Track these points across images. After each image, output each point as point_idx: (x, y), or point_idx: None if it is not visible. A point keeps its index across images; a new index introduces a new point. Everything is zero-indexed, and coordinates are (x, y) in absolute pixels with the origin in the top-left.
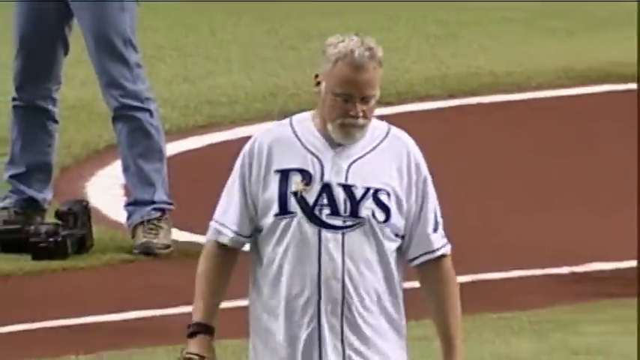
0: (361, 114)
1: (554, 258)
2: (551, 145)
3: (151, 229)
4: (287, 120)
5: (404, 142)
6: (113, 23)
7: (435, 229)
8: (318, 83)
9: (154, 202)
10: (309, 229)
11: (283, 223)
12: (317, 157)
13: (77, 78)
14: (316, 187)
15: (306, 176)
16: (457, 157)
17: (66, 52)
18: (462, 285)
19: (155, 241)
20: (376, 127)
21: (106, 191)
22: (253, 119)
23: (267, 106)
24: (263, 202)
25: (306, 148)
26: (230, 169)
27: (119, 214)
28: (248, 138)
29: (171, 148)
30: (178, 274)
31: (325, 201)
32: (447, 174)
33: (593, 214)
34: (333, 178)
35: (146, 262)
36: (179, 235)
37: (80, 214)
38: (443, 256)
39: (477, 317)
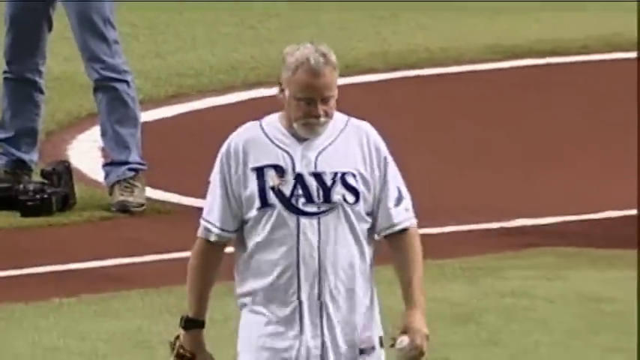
0: (322, 113)
1: (485, 214)
2: (481, 113)
3: (127, 187)
4: (256, 122)
5: (363, 129)
6: (95, 5)
7: (397, 204)
8: (282, 90)
9: (128, 163)
10: (289, 218)
11: (265, 214)
12: (287, 152)
13: (61, 53)
14: (290, 179)
15: (279, 170)
16: (397, 123)
17: (50, 30)
18: None
19: (130, 199)
20: (337, 119)
21: (86, 154)
22: (217, 90)
23: (229, 78)
24: (245, 198)
25: (276, 145)
26: (196, 135)
27: (98, 174)
28: (213, 107)
29: (145, 116)
30: (150, 229)
31: (300, 191)
32: (388, 139)
33: (519, 175)
34: (304, 168)
35: (122, 218)
36: (152, 194)
37: (63, 173)
38: (405, 229)
39: None
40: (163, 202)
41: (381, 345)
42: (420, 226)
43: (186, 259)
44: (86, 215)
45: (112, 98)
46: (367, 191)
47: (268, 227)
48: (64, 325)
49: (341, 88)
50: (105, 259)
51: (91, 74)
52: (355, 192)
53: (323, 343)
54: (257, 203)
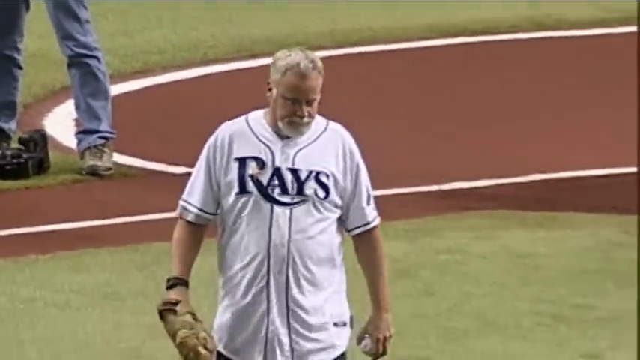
0: (306, 114)
1: (425, 178)
2: (420, 86)
3: (96, 153)
4: (243, 117)
5: (340, 134)
6: None
7: (368, 203)
8: (270, 89)
9: (99, 132)
10: (264, 205)
11: (242, 200)
12: (268, 147)
13: (37, 32)
14: (268, 171)
15: (260, 162)
16: (343, 96)
17: (27, 10)
18: None
19: (100, 164)
20: (317, 122)
21: (61, 123)
22: (179, 66)
23: (190, 55)
24: (225, 184)
25: (259, 140)
26: (160, 107)
27: (71, 142)
28: (175, 82)
29: (113, 89)
30: (118, 192)
31: (276, 182)
32: (335, 110)
33: (456, 143)
34: (282, 163)
35: (93, 182)
36: (120, 159)
37: (39, 140)
38: (375, 227)
39: None
40: (130, 167)
41: (351, 325)
42: None
43: (151, 220)
44: (60, 179)
45: (84, 73)
46: (337, 190)
47: (244, 213)
48: (40, 279)
49: None
50: (77, 220)
51: (65, 51)
52: (326, 188)
53: (289, 326)
54: (236, 189)
